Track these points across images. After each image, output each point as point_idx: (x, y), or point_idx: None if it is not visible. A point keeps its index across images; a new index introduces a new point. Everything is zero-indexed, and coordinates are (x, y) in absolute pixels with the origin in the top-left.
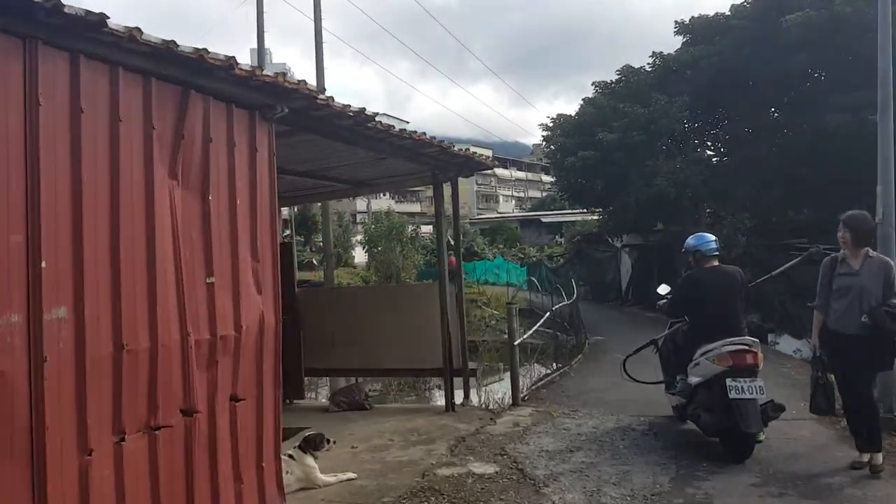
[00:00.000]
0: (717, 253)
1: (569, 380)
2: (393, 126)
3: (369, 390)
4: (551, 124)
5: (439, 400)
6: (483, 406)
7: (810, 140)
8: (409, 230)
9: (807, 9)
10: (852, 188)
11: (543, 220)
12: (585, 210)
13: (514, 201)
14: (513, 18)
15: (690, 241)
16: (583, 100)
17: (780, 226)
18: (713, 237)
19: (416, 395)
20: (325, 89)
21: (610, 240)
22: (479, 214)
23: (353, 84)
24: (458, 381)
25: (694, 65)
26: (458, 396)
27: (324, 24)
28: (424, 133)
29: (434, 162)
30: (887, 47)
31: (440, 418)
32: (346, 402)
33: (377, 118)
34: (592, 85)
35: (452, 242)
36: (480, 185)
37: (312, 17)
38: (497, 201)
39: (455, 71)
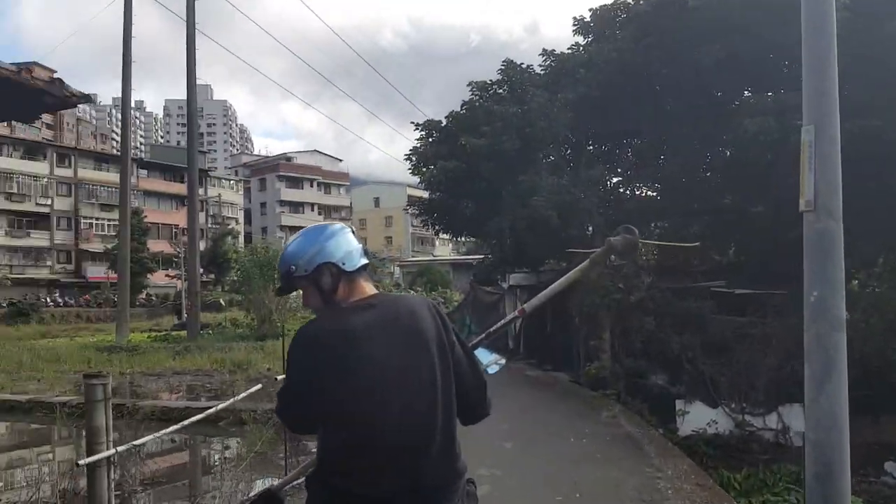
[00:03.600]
0: (366, 263)
1: None
2: None
3: None
4: (422, 134)
5: None
6: None
7: (730, 156)
8: None
9: None
10: (784, 213)
11: (474, 263)
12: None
13: (450, 245)
14: (464, 67)
15: (295, 247)
16: (463, 103)
17: (694, 265)
18: (349, 229)
19: None
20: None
21: (499, 280)
22: (413, 257)
23: (301, 125)
24: None
25: (588, 63)
26: None
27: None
28: None
29: None
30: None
31: None
32: None
33: None
34: (468, 86)
35: None
36: (416, 227)
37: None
38: (433, 244)
39: (404, 114)
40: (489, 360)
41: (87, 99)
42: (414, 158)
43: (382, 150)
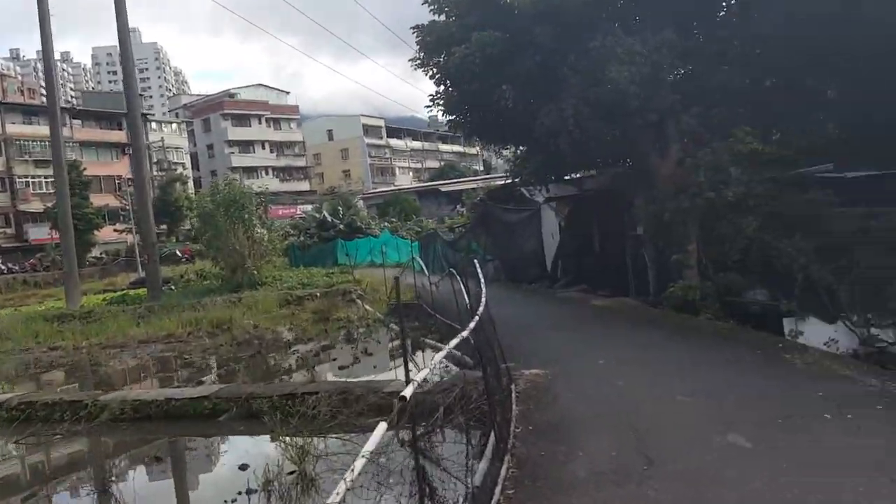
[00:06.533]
0: None
1: None
2: None
3: None
4: (432, 8)
5: None
6: None
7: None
8: (258, 205)
9: None
10: None
11: (442, 189)
12: (505, 174)
13: (411, 173)
14: None
15: None
16: None
17: (789, 144)
18: None
19: None
20: None
21: (527, 193)
22: (374, 188)
23: (239, 62)
24: None
25: None
26: None
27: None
28: None
29: None
30: None
31: None
32: None
33: None
34: None
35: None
36: (374, 157)
37: None
38: (393, 174)
39: (347, 46)
40: None
41: None
42: (425, 41)
43: (342, 73)
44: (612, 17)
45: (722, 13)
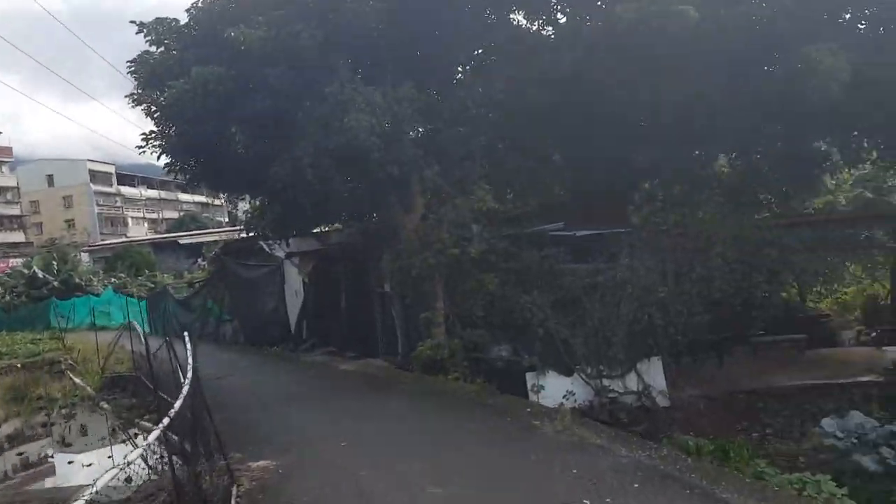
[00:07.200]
0: None
1: None
2: None
3: None
4: (149, 39)
5: None
6: None
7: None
8: None
9: None
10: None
11: (182, 241)
12: (241, 227)
13: (146, 224)
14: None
15: None
16: None
17: (524, 203)
18: None
19: None
20: None
21: (267, 247)
22: (103, 240)
23: None
24: None
25: None
26: None
27: None
28: None
29: None
30: None
31: None
32: None
33: None
34: None
35: None
36: (102, 205)
37: None
38: (125, 224)
39: (76, 88)
40: None
41: None
42: (140, 74)
43: (68, 116)
44: (351, 65)
45: (459, 75)
